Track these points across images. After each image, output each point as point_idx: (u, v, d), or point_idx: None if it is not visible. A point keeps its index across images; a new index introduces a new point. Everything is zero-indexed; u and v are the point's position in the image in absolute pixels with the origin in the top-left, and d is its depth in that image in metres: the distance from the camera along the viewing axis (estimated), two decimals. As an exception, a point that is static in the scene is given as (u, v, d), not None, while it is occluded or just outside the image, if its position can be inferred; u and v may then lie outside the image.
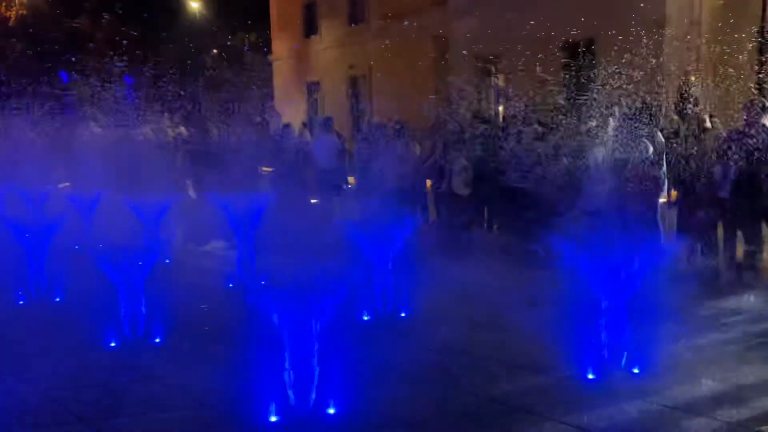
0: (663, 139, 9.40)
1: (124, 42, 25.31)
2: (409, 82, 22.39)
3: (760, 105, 8.87)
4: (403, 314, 7.79)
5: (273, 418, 5.17)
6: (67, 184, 13.59)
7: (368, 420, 5.21)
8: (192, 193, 13.35)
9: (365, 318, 7.67)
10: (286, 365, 5.24)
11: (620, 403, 5.47)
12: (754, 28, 14.38)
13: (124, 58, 16.59)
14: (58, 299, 8.64)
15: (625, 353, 6.04)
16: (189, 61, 28.46)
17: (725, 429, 5.05)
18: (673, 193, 9.33)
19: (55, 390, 5.84)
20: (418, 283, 8.05)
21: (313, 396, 5.25)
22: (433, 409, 5.44)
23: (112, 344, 6.91)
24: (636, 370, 6.02)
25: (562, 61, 15.80)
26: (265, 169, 13.71)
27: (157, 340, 7.02)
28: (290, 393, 5.25)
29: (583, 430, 5.06)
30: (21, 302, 8.58)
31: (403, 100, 17.71)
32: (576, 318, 6.30)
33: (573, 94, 11.31)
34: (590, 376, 5.96)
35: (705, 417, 5.22)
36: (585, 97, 10.00)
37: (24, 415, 5.40)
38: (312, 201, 13.61)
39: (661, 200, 9.16)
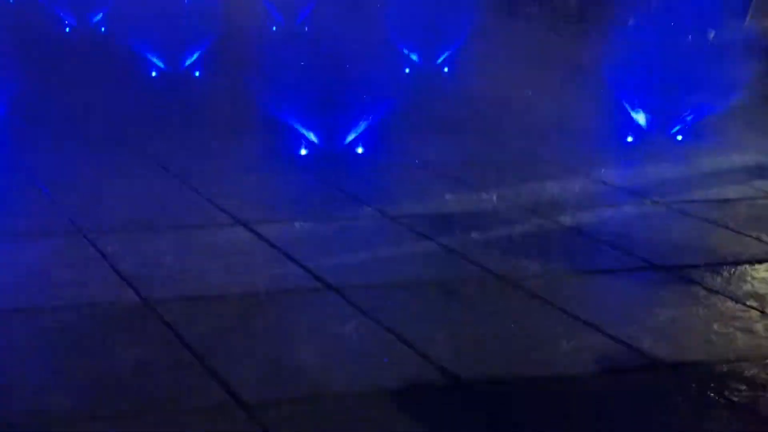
0: None
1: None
2: None
3: None
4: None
5: (303, 151, 5.27)
6: None
7: (393, 160, 5.27)
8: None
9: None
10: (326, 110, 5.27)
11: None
12: None
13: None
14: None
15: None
16: None
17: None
18: None
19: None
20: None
21: (349, 138, 5.31)
22: (463, 157, 5.43)
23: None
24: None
25: None
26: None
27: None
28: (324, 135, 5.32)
29: (605, 184, 5.02)
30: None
31: None
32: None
33: None
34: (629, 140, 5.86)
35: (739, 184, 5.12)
36: None
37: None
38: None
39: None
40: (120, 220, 4.08)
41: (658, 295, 3.53)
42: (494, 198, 4.61)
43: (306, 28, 9.58)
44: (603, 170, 5.20)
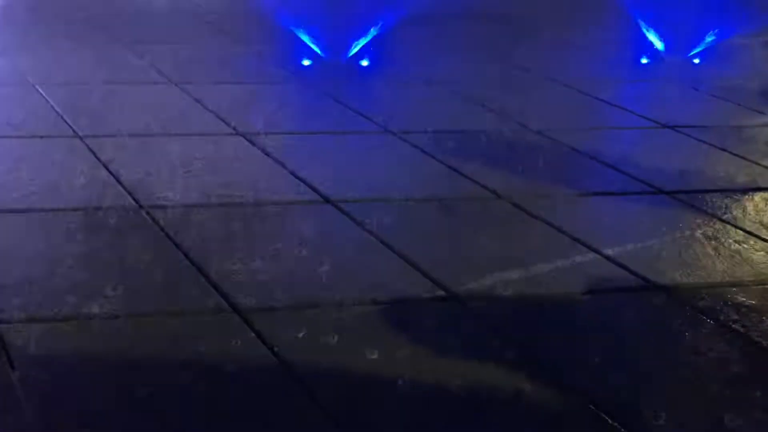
0: None
1: None
2: None
3: None
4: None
5: (306, 62, 5.17)
6: None
7: (399, 75, 5.16)
8: None
9: None
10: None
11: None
12: None
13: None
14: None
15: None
16: None
17: None
18: None
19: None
20: None
21: (354, 50, 5.19)
22: (471, 74, 5.31)
23: None
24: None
25: None
26: None
27: None
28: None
29: (611, 105, 4.92)
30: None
31: None
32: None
33: None
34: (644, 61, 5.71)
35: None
36: None
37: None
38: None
39: None
40: (118, 125, 4.04)
41: (659, 218, 3.49)
42: (499, 116, 4.52)
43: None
44: (610, 91, 5.09)
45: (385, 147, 4.03)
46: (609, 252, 3.02)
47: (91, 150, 3.68)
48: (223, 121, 4.17)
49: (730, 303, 2.75)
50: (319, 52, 5.19)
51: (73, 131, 3.89)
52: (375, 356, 2.33)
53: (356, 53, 5.22)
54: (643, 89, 5.43)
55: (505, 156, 4.02)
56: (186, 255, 2.81)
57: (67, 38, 5.44)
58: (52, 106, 4.19)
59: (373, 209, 3.32)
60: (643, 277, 2.88)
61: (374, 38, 5.23)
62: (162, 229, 3.00)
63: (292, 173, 3.59)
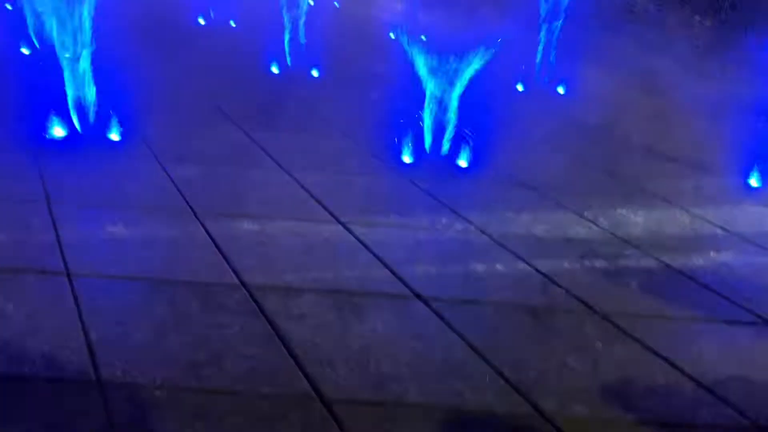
0: None
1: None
2: None
3: None
4: None
5: (406, 157, 5.32)
6: None
7: (494, 174, 5.20)
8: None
9: None
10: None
11: None
12: None
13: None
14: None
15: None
16: None
17: None
18: None
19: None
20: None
21: (451, 148, 5.27)
22: (565, 177, 5.31)
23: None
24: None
25: None
26: None
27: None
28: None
29: (711, 224, 4.76)
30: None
31: None
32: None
33: None
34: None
35: None
36: None
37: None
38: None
39: None
40: (228, 203, 4.26)
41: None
42: (592, 224, 4.48)
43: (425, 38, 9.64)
44: (711, 208, 4.96)
45: (480, 248, 4.05)
46: (706, 381, 2.89)
47: (204, 228, 3.89)
48: (326, 208, 4.32)
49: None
50: (418, 147, 5.34)
51: (190, 208, 4.14)
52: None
53: (455, 151, 5.33)
54: (746, 210, 5.26)
55: (600, 270, 3.95)
56: (278, 336, 2.88)
57: (189, 116, 5.86)
58: (173, 182, 4.48)
59: (463, 310, 3.32)
60: (743, 413, 2.73)
61: (473, 137, 5.34)
62: (260, 310, 3.10)
63: (386, 265, 3.65)
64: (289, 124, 6.00)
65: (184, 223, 3.95)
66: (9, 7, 7.99)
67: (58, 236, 3.62)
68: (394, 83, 6.16)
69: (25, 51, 7.09)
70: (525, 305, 3.49)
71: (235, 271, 3.43)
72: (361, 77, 7.23)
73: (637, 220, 4.65)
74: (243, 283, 3.32)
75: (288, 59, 7.48)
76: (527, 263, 3.85)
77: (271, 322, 3.02)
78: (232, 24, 9.09)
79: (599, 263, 3.98)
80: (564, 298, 3.54)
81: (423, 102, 5.46)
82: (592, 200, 4.87)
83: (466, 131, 5.36)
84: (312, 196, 4.48)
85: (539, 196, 4.94)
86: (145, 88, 5.73)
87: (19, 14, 6.99)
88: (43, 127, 5.05)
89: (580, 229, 4.44)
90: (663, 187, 5.23)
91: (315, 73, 7.42)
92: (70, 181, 4.39)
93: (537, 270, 3.79)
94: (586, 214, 4.61)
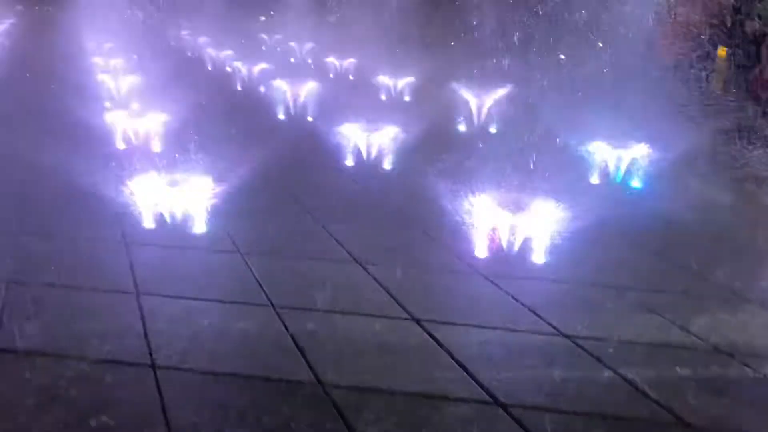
0: None
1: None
2: None
3: None
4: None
5: (483, 253, 5.28)
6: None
7: (579, 277, 5.09)
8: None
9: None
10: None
11: None
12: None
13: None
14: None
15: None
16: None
17: None
18: None
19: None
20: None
21: (533, 247, 5.22)
22: (655, 281, 5.13)
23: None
24: None
25: None
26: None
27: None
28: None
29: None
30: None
31: None
32: None
33: None
34: None
35: None
36: None
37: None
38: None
39: None
40: (304, 298, 4.31)
41: None
42: (685, 330, 4.30)
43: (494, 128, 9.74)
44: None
45: (561, 352, 3.92)
46: None
47: (282, 322, 3.94)
48: (401, 305, 4.30)
49: None
50: (498, 245, 5.30)
51: (269, 301, 4.20)
52: None
53: (533, 248, 5.25)
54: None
55: (692, 379, 3.76)
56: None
57: (268, 206, 6.04)
58: (253, 275, 4.58)
59: (545, 419, 3.21)
60: None
61: (549, 232, 5.27)
62: (336, 409, 3.08)
63: (464, 367, 3.59)
64: (364, 215, 6.10)
65: (263, 317, 4.01)
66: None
67: (145, 327, 3.74)
68: (466, 175, 6.21)
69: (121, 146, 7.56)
70: (610, 415, 3.33)
71: (311, 368, 3.44)
72: (434, 170, 7.31)
73: (730, 325, 4.45)
74: (318, 380, 3.32)
75: (363, 153, 7.70)
76: (612, 370, 3.69)
77: (346, 423, 3.00)
78: (310, 119, 9.46)
79: (690, 372, 3.78)
80: (652, 409, 3.38)
81: (498, 196, 5.47)
82: (680, 303, 4.69)
83: (541, 226, 5.30)
84: (387, 291, 4.49)
85: (622, 297, 4.77)
86: (226, 178, 5.95)
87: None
88: (136, 219, 5.31)
89: (668, 335, 4.25)
90: (758, 291, 5.00)
91: (387, 165, 7.60)
92: (158, 273, 4.56)
93: (623, 377, 3.63)
94: (674, 317, 4.44)
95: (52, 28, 21.33)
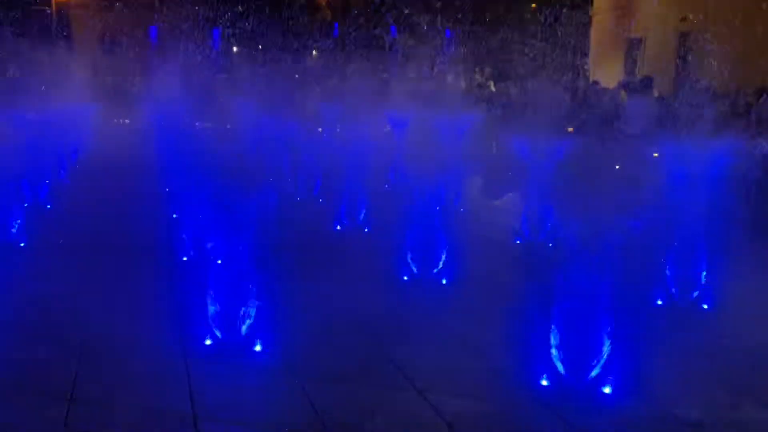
0: None
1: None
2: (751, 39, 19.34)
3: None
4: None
5: (543, 382, 5.03)
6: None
7: (649, 408, 4.79)
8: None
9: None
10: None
11: None
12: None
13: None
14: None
15: None
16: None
17: None
18: None
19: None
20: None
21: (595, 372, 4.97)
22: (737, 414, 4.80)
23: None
24: None
25: None
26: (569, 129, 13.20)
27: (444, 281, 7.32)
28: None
29: None
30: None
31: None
32: None
33: None
34: None
35: None
36: None
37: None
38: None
39: None
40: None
41: None
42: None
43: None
44: None
45: None
46: None
47: None
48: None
49: None
50: (557, 370, 5.04)
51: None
52: None
53: (599, 375, 4.97)
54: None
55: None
56: None
57: (325, 326, 5.90)
58: (310, 402, 4.48)
59: None
60: None
61: (616, 359, 4.98)
62: None
63: None
64: (423, 338, 5.90)
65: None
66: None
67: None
68: (524, 295, 6.03)
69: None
70: None
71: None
72: (492, 287, 7.13)
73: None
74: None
75: (413, 267, 7.55)
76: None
77: None
78: (365, 230, 9.45)
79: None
80: None
81: (559, 318, 5.25)
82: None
83: (605, 351, 5.03)
84: (446, 422, 4.30)
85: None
86: (280, 294, 5.89)
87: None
88: (191, 336, 5.26)
89: (759, 418, 3.94)
90: None
91: (444, 281, 7.45)
92: (214, 396, 4.47)
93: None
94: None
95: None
